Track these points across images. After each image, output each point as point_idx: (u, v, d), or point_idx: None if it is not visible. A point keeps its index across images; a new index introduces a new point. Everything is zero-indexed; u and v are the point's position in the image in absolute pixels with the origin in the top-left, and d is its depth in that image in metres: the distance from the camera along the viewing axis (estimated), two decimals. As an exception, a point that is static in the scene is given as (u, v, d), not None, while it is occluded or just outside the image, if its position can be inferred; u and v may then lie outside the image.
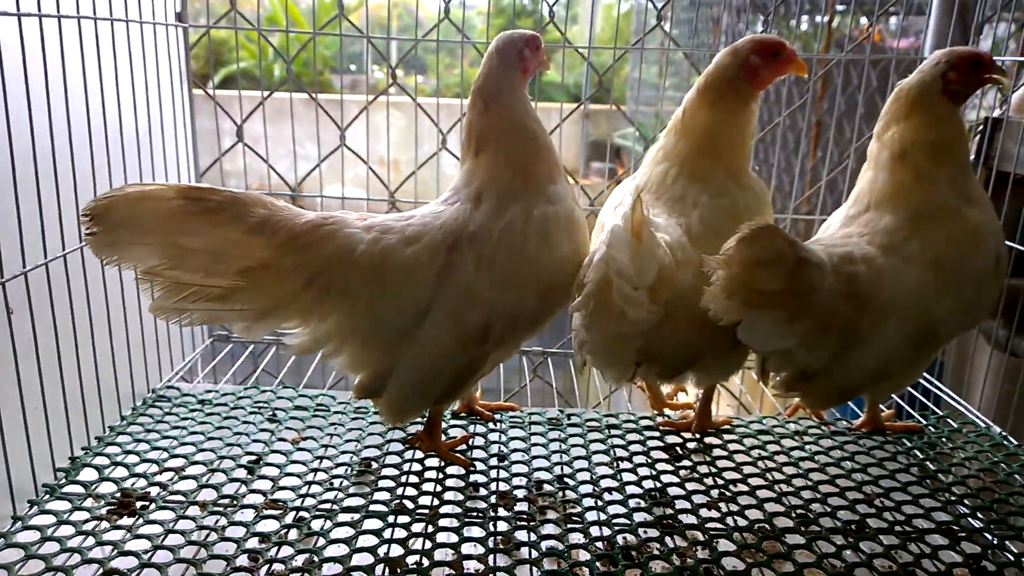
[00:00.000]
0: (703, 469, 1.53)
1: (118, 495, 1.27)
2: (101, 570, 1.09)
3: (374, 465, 1.46)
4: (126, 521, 1.21)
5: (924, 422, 1.81)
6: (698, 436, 1.67)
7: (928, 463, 1.58)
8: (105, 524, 1.20)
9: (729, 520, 1.35)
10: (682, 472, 1.51)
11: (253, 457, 1.43)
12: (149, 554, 1.13)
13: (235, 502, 1.29)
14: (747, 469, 1.53)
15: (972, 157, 1.93)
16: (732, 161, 1.56)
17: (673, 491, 1.43)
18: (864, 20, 4.50)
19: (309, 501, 1.30)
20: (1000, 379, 1.83)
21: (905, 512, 1.39)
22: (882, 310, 1.40)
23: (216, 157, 2.01)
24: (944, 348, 1.89)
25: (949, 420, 1.81)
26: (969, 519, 1.39)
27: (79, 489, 1.29)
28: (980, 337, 1.94)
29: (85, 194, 1.35)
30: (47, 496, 1.27)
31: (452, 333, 1.35)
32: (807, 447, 1.64)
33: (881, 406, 1.86)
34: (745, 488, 1.45)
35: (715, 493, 1.44)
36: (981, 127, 1.95)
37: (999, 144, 1.88)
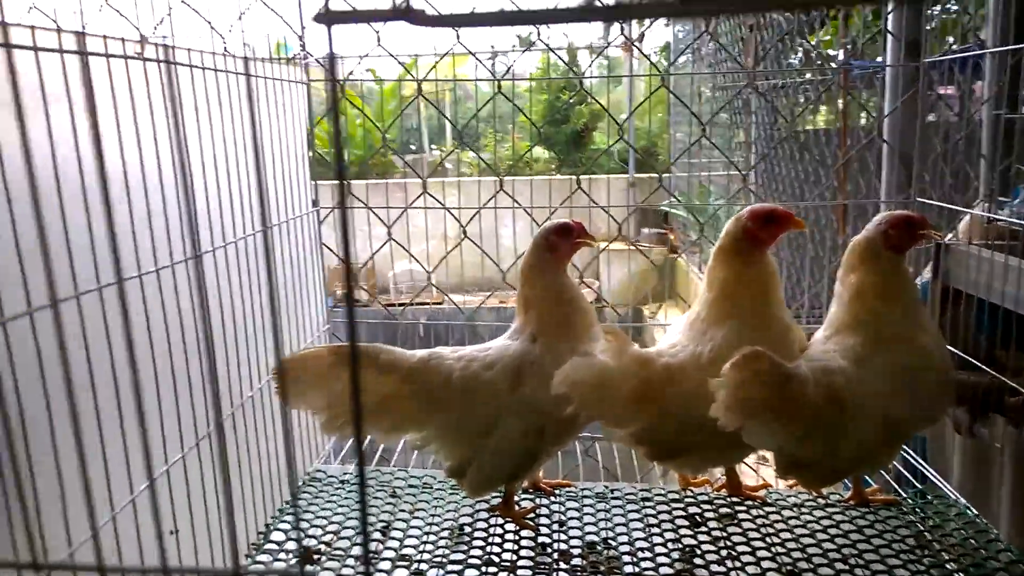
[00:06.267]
0: (716, 534, 2.01)
1: (302, 550, 1.85)
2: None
3: (466, 529, 2.00)
4: (310, 568, 1.78)
5: (903, 495, 2.24)
6: (716, 507, 2.14)
7: (898, 530, 2.01)
8: (295, 570, 1.78)
9: (732, 574, 1.82)
10: (699, 536, 1.99)
11: (384, 524, 1.99)
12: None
13: (376, 556, 1.84)
14: (751, 534, 2.00)
15: (930, 275, 2.40)
16: (752, 307, 1.97)
17: (689, 550, 1.92)
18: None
19: (426, 556, 1.85)
20: (966, 457, 2.26)
21: (872, 569, 1.83)
22: (857, 410, 1.81)
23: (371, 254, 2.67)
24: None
25: (926, 494, 2.24)
26: (924, 574, 1.82)
27: (273, 546, 1.88)
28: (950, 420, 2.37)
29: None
30: (255, 551, 1.86)
31: (519, 432, 1.88)
32: (802, 517, 2.10)
33: (870, 480, 2.30)
34: (748, 549, 1.92)
35: (723, 553, 1.91)
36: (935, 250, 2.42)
37: (946, 265, 2.36)
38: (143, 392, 1.61)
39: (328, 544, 1.89)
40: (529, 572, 1.80)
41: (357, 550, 1.86)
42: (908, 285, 2.01)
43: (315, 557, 1.82)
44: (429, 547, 1.89)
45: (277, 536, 1.92)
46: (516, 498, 2.12)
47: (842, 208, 3.46)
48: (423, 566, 1.80)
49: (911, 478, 2.41)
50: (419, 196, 2.63)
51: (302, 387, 1.77)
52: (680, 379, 1.90)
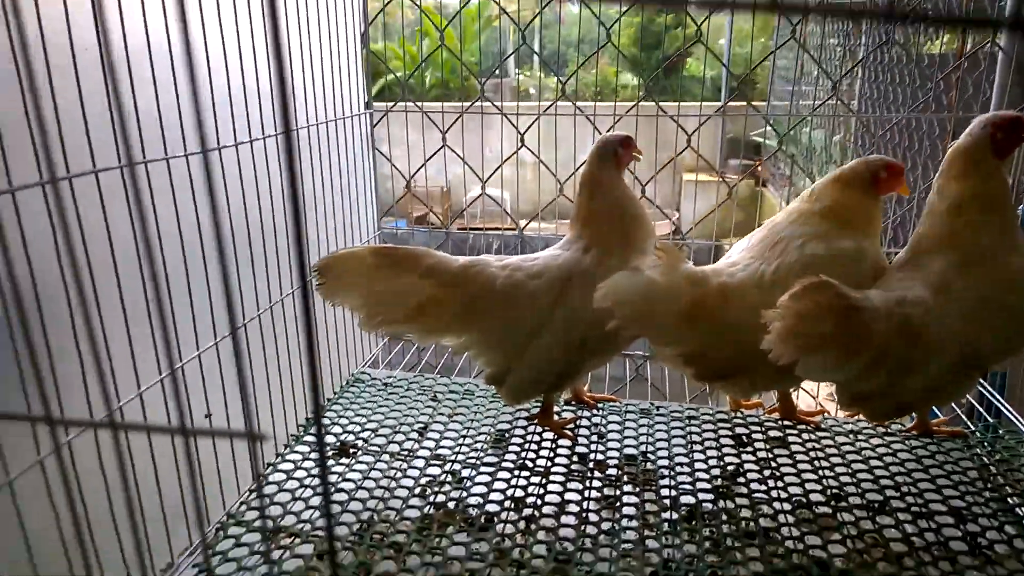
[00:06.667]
0: (761, 455, 1.94)
1: (338, 444, 1.89)
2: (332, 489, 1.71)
3: (506, 435, 2.00)
4: (344, 461, 1.82)
5: (972, 428, 2.10)
6: (765, 430, 2.07)
7: (960, 462, 1.89)
8: (331, 461, 1.82)
9: (773, 492, 1.76)
10: (743, 455, 1.93)
11: (422, 425, 2.01)
12: (360, 482, 1.73)
13: (411, 454, 1.87)
14: (799, 457, 1.92)
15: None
16: (853, 235, 1.86)
17: (732, 468, 1.86)
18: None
19: (460, 457, 1.86)
20: (1048, 394, 2.09)
21: (925, 497, 1.74)
22: (932, 343, 1.69)
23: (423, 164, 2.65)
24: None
25: (997, 428, 2.09)
26: (982, 506, 1.71)
27: (312, 439, 1.93)
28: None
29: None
30: (294, 442, 1.92)
31: (559, 344, 1.85)
32: (857, 444, 2.00)
33: (938, 412, 2.17)
34: (793, 471, 1.85)
35: (767, 473, 1.85)
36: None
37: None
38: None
39: (365, 440, 1.92)
40: (562, 478, 1.79)
41: (393, 447, 1.89)
42: (1009, 200, 1.84)
43: (351, 451, 1.86)
44: (465, 449, 1.90)
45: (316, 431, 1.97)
46: (556, 409, 2.10)
47: (948, 134, 3.14)
48: (456, 466, 1.82)
49: (984, 413, 2.26)
50: (476, 100, 2.56)
51: (342, 284, 1.78)
52: (736, 299, 1.80)
